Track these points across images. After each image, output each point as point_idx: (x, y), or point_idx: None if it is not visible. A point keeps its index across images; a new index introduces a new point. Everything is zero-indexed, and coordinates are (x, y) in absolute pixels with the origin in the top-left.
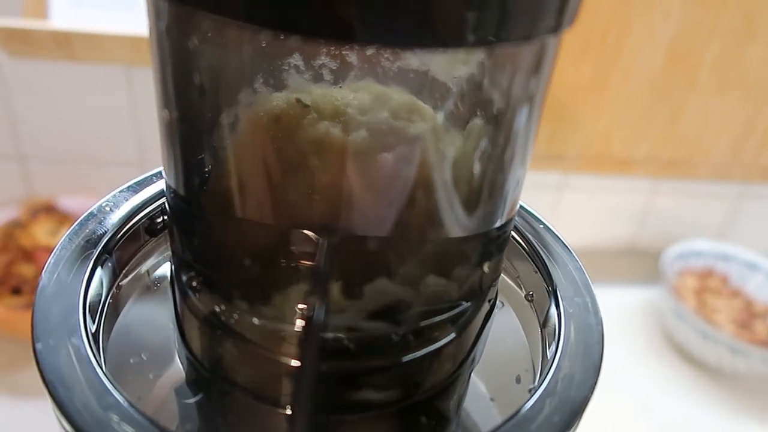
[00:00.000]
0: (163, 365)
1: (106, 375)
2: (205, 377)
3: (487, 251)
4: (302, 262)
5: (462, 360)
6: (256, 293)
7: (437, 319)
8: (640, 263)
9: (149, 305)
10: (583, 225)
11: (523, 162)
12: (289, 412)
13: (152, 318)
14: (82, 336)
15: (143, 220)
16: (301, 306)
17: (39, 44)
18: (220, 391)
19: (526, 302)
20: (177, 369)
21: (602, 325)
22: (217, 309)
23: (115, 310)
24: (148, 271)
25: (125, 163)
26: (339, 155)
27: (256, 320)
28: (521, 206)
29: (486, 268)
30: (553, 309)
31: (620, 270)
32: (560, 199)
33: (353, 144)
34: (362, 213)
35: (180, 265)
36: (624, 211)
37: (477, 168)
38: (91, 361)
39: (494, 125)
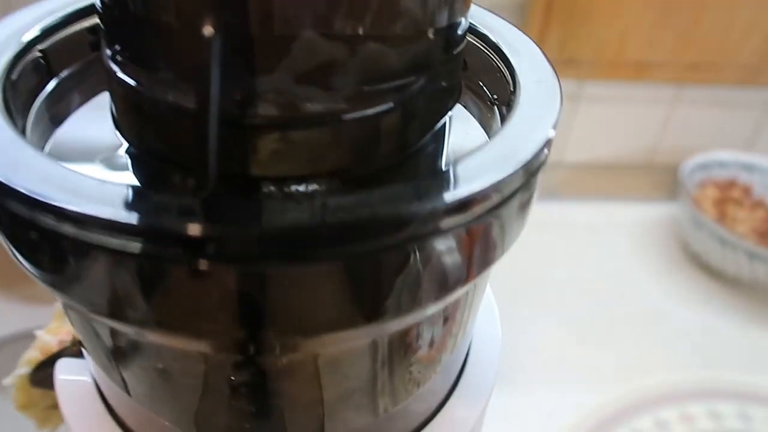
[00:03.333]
0: (94, 148)
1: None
2: (133, 153)
3: (429, 14)
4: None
5: (405, 145)
6: (178, 63)
7: (377, 87)
8: (660, 178)
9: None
10: (600, 138)
11: None
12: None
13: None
14: None
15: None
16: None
17: None
18: (146, 165)
19: (489, 105)
20: (109, 147)
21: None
22: (141, 82)
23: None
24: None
25: None
26: None
27: (182, 89)
28: (488, 12)
29: (431, 34)
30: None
31: (639, 185)
32: (576, 110)
33: None
34: None
35: (107, 37)
36: (643, 122)
37: None
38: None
39: None
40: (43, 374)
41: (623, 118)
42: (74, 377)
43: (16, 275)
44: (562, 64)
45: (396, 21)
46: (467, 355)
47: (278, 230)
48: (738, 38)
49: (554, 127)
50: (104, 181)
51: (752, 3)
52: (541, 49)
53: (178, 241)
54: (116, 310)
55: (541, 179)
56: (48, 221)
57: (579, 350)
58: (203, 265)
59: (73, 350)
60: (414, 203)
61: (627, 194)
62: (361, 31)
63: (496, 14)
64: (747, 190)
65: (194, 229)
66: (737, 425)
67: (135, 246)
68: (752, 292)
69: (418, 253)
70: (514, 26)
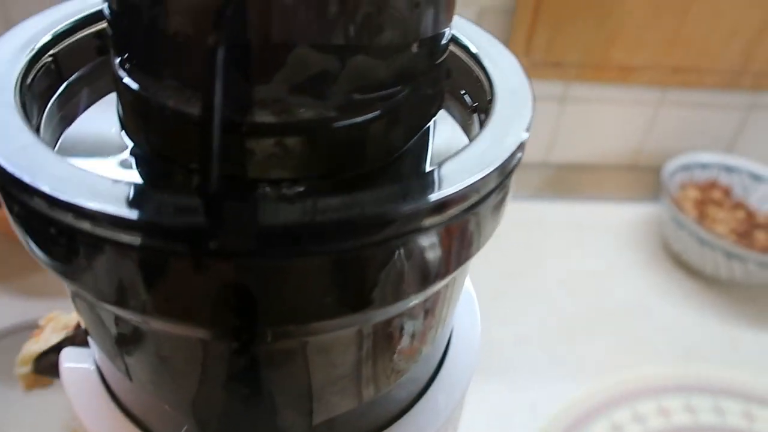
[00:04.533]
0: (100, 147)
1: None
2: (138, 153)
3: (414, 27)
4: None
5: (391, 149)
6: (183, 72)
7: (365, 96)
8: (643, 179)
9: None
10: (586, 139)
11: None
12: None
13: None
14: (12, 101)
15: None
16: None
17: None
18: (150, 164)
19: (470, 112)
20: (115, 147)
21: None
22: (147, 88)
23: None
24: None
25: None
26: None
27: (185, 96)
28: (469, 27)
29: (416, 47)
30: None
31: (623, 186)
32: (562, 111)
33: None
34: None
35: (115, 46)
36: (628, 123)
37: None
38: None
39: None
40: (46, 362)
41: (608, 120)
42: (78, 365)
43: (13, 268)
44: (548, 66)
45: (383, 35)
46: (447, 345)
47: (273, 228)
48: (720, 43)
49: (527, 130)
50: (117, 181)
51: (733, 10)
52: (517, 59)
53: (181, 237)
54: (122, 298)
55: (528, 179)
56: (66, 218)
57: (562, 344)
58: (203, 259)
59: (77, 340)
60: (398, 204)
61: (611, 194)
62: (350, 45)
63: (476, 24)
64: (727, 192)
65: (196, 226)
66: (711, 419)
67: (142, 241)
68: (729, 290)
69: (401, 249)
70: (494, 36)
